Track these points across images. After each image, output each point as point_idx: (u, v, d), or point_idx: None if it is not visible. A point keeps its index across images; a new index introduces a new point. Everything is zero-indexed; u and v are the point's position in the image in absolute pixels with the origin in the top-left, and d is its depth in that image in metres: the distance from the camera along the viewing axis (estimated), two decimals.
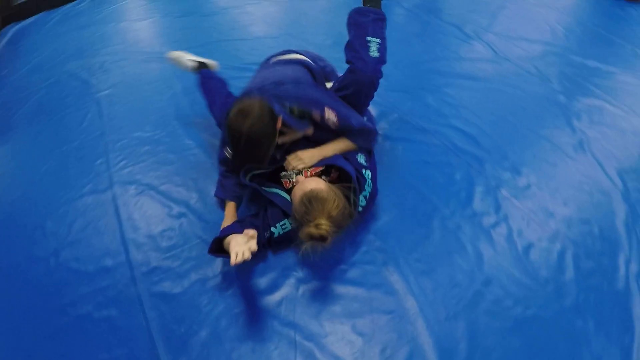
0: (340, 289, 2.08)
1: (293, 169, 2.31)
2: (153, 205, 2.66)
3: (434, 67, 3.77)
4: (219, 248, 2.20)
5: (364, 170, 2.32)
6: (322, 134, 2.38)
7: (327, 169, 2.36)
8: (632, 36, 5.42)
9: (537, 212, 2.49)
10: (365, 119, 2.58)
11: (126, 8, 5.60)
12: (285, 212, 2.25)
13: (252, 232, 2.00)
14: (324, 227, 1.93)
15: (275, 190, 2.31)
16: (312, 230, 1.94)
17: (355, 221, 2.27)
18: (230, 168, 2.48)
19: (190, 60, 3.32)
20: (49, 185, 2.92)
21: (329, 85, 2.79)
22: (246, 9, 5.38)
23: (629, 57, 4.76)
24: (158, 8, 5.88)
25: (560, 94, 3.69)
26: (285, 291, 2.13)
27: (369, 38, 2.51)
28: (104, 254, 2.39)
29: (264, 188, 2.33)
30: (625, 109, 3.68)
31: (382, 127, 3.08)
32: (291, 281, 2.14)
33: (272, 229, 2.24)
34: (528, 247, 2.30)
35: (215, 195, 2.55)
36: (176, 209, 2.61)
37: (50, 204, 2.75)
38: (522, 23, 5.11)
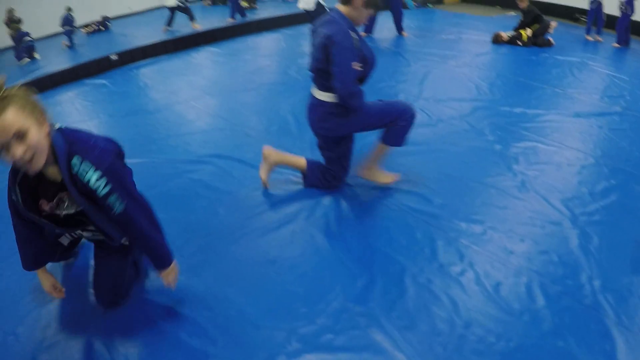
0: (331, 357, 2.16)
1: None
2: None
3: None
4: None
5: None
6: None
7: None
8: (549, 78, 5.93)
9: (497, 253, 2.67)
10: None
11: (69, 110, 5.80)
12: None
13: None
14: None
15: None
16: None
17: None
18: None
19: None
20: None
21: None
22: (190, 104, 5.60)
23: (550, 97, 5.20)
24: (101, 109, 6.03)
25: (495, 143, 4.00)
26: None
27: None
28: None
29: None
30: (556, 145, 4.02)
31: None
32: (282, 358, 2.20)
33: None
34: (497, 286, 2.44)
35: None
36: None
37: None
38: (448, 85, 5.55)
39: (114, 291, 2.44)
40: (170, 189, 3.62)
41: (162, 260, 2.28)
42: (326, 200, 3.22)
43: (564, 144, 4.07)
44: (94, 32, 13.11)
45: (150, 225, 2.19)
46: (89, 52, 9.51)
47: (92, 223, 2.12)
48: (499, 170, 3.57)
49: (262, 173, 3.46)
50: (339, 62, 2.82)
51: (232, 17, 11.21)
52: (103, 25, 13.45)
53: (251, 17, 11.21)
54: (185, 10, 10.94)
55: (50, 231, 2.24)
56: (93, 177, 1.89)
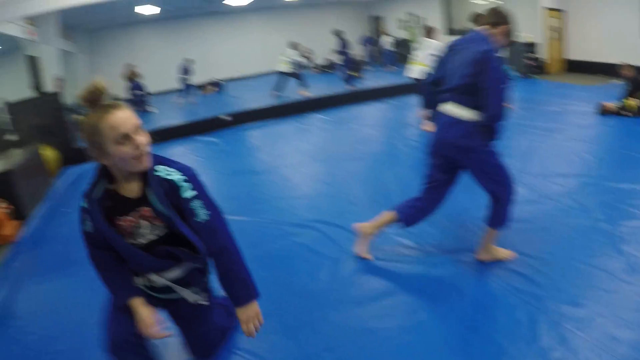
0: None
1: None
2: None
3: (479, 214, 3.88)
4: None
5: None
6: None
7: None
8: None
9: (602, 339, 2.60)
10: None
11: None
12: None
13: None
14: None
15: None
16: None
17: None
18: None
19: None
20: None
21: None
22: (296, 168, 5.94)
23: None
24: (211, 165, 6.48)
25: (603, 222, 3.92)
26: None
27: None
28: None
29: None
30: None
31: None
32: None
33: None
34: None
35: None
36: None
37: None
38: (553, 159, 5.53)
39: (214, 346, 2.57)
40: (274, 250, 3.91)
41: (247, 288, 2.15)
42: (427, 274, 3.34)
43: None
44: (209, 93, 14.21)
45: (235, 243, 2.16)
46: (202, 110, 10.31)
47: (175, 233, 2.05)
48: (606, 251, 3.50)
49: (360, 250, 3.63)
50: (496, 79, 2.94)
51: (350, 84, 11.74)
52: (216, 86, 14.56)
53: (357, 86, 11.68)
54: (296, 76, 11.64)
55: (131, 259, 2.11)
56: (179, 178, 1.99)
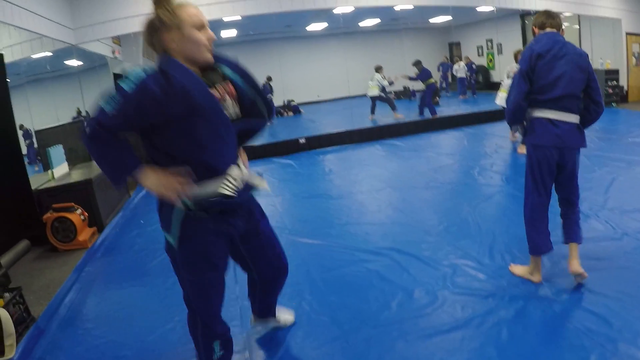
0: None
1: None
2: None
3: (558, 250, 3.86)
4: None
5: None
6: None
7: None
8: None
9: None
10: None
11: None
12: None
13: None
14: None
15: None
16: None
17: None
18: None
19: None
20: (176, 343, 3.23)
21: None
22: (371, 195, 6.03)
23: None
24: (286, 187, 6.65)
25: None
26: None
27: None
28: None
29: None
30: None
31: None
32: None
33: None
34: None
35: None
36: None
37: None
38: (636, 194, 5.33)
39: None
40: (346, 275, 3.99)
41: None
42: (498, 309, 3.31)
43: None
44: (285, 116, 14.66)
45: None
46: (279, 132, 10.58)
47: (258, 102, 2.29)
48: None
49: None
50: (597, 79, 3.31)
51: (421, 112, 11.86)
52: (291, 110, 14.98)
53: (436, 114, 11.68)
54: (387, 100, 11.88)
55: (221, 140, 2.10)
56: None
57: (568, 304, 3.32)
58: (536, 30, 3.44)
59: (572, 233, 3.53)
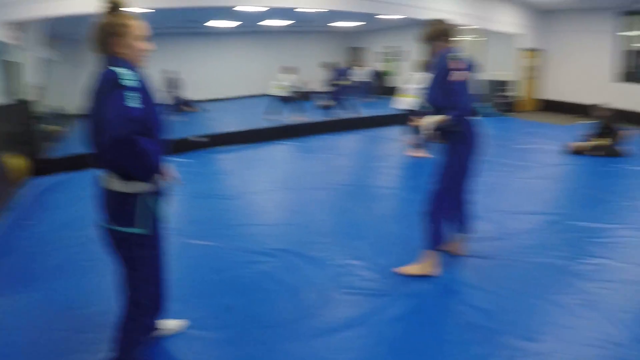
0: None
1: None
2: None
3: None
4: None
5: None
6: None
7: None
8: (623, 190, 5.95)
9: None
10: None
11: None
12: None
13: None
14: None
15: None
16: None
17: None
18: None
19: None
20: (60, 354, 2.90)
21: None
22: (265, 196, 5.96)
23: (623, 211, 5.20)
24: (182, 187, 6.31)
25: (563, 260, 4.02)
26: None
27: None
28: None
29: None
30: (626, 262, 4.00)
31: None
32: None
33: None
34: None
35: None
36: None
37: None
38: (519, 197, 5.65)
39: None
40: (236, 277, 3.86)
41: None
42: (386, 308, 3.33)
43: (634, 261, 4.06)
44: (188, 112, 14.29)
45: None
46: (181, 130, 10.26)
47: None
48: (565, 287, 3.58)
49: None
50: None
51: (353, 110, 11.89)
52: (189, 106, 14.65)
53: (335, 115, 11.81)
54: (294, 101, 11.79)
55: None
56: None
57: (454, 300, 3.42)
58: (444, 42, 3.53)
59: (467, 225, 3.85)
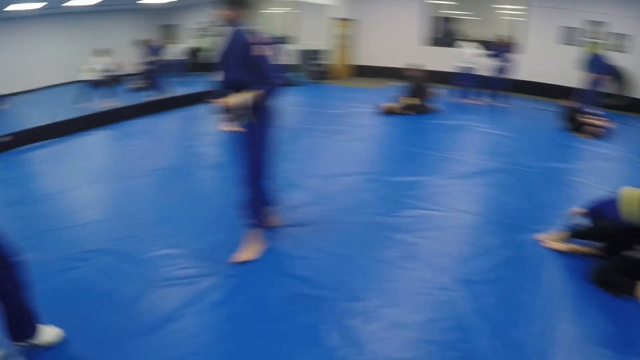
0: None
1: None
2: None
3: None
4: None
5: None
6: None
7: None
8: (435, 144, 6.34)
9: (387, 328, 2.67)
10: None
11: None
12: None
13: None
14: None
15: None
16: None
17: None
18: None
19: None
20: None
21: None
22: (79, 192, 5.29)
23: (436, 163, 5.54)
24: None
25: (381, 216, 4.12)
26: None
27: None
28: None
29: None
30: (443, 209, 4.24)
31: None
32: None
33: None
34: None
35: None
36: None
37: None
38: (336, 160, 5.69)
39: None
40: (46, 291, 3.27)
41: None
42: (209, 295, 3.07)
43: (451, 207, 4.29)
44: None
45: None
46: None
47: None
48: (386, 242, 3.65)
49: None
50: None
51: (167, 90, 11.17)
52: None
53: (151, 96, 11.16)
54: (104, 84, 10.78)
55: None
56: None
57: (275, 273, 3.28)
58: (241, 12, 3.22)
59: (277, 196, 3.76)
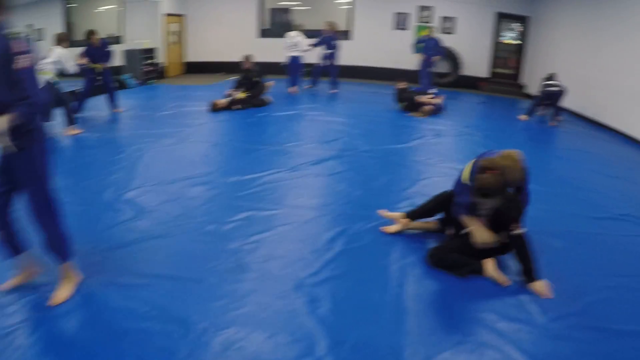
0: None
1: None
2: None
3: None
4: None
5: None
6: None
7: None
8: (267, 137, 6.04)
9: (227, 355, 2.33)
10: None
11: None
12: None
13: None
14: None
15: None
16: None
17: None
18: None
19: None
20: None
21: None
22: None
23: (268, 157, 5.24)
24: None
25: (210, 224, 3.75)
26: None
27: None
28: None
29: None
30: (274, 207, 3.95)
31: None
32: None
33: None
34: None
35: None
36: None
37: None
38: (164, 166, 5.13)
39: None
40: None
41: None
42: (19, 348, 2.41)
43: (287, 204, 4.08)
44: None
45: None
46: None
47: None
48: (217, 254, 3.27)
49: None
50: None
51: None
52: None
53: None
54: None
55: None
56: None
57: (98, 311, 2.68)
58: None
59: None
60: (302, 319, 2.62)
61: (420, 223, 3.70)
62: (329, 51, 10.20)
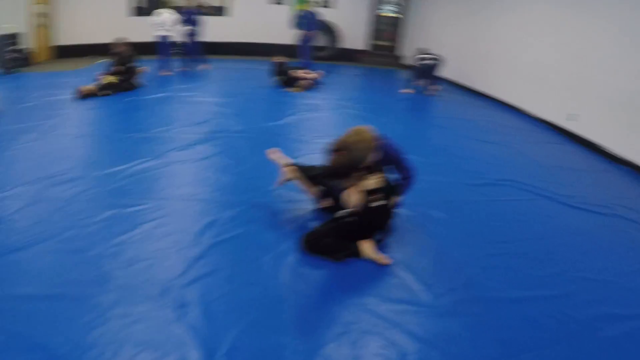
0: None
1: None
2: None
3: None
4: None
5: None
6: None
7: None
8: (141, 124, 5.77)
9: None
10: None
11: None
12: None
13: None
14: None
15: None
16: None
17: None
18: None
19: None
20: None
21: None
22: None
23: (136, 146, 4.93)
24: None
25: (76, 228, 3.51)
26: None
27: None
28: None
29: None
30: (146, 200, 3.76)
31: None
32: None
33: None
34: None
35: None
36: None
37: None
38: (21, 168, 4.61)
39: None
40: None
41: None
42: None
43: (148, 197, 3.95)
44: None
45: None
46: None
47: None
48: (78, 269, 2.99)
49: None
50: None
51: None
52: None
53: None
54: None
55: None
56: None
57: None
58: None
59: None
60: (170, 328, 2.51)
61: (304, 178, 3.73)
62: (192, 28, 10.05)
